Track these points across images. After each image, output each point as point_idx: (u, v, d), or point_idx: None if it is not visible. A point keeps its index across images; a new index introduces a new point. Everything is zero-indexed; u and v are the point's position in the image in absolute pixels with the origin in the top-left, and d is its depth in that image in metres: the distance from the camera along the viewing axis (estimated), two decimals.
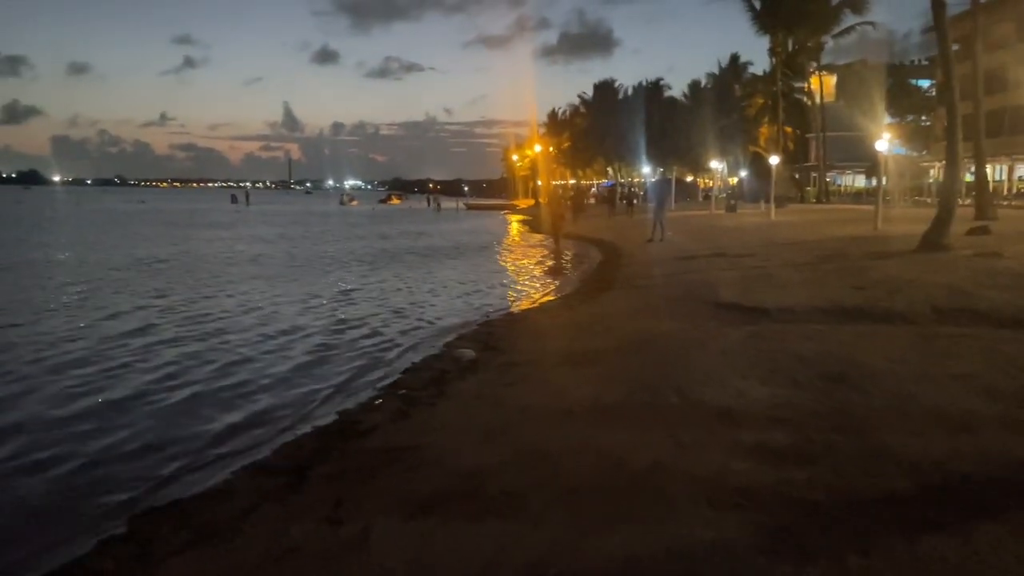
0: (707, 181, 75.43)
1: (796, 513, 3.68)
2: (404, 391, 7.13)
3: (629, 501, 3.95)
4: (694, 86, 73.69)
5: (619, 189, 67.17)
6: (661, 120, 71.66)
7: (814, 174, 59.61)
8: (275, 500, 4.54)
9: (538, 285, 17.11)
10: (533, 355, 8.23)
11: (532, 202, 78.28)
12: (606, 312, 11.07)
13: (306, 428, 6.31)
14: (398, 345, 10.11)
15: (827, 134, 55.76)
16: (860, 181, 63.43)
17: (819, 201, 52.71)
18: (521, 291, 16.08)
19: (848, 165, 61.45)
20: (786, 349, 7.34)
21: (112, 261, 21.42)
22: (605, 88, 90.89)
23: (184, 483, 5.25)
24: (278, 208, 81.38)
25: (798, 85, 57.42)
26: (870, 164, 49.81)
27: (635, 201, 48.72)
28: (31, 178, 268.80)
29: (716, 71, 68.52)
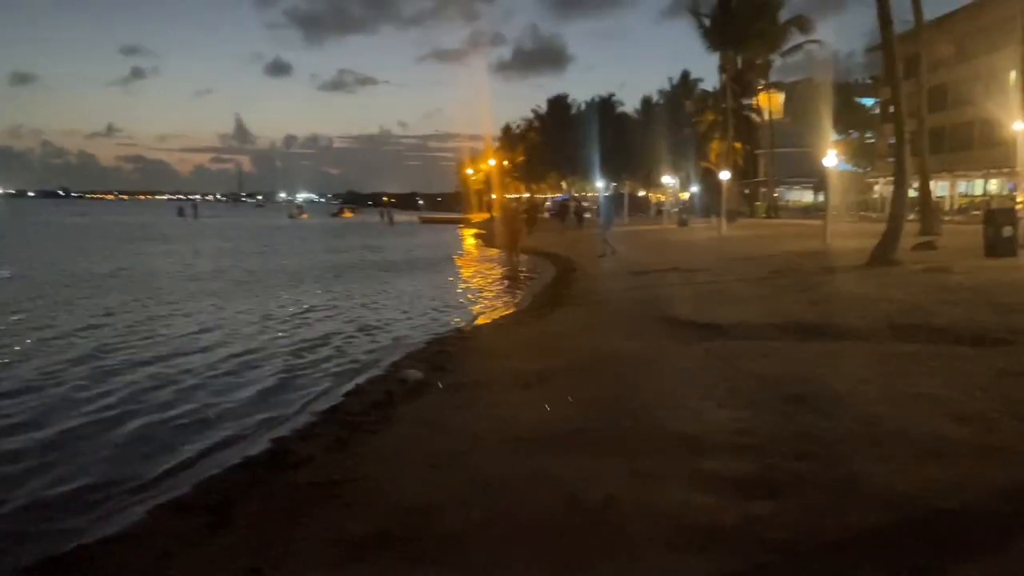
0: (659, 196, 76.19)
1: (763, 555, 3.37)
2: (344, 416, 6.68)
3: (582, 543, 3.60)
4: (646, 102, 74.84)
5: (572, 204, 67.38)
6: (613, 135, 72.31)
7: (763, 189, 60.62)
8: (191, 544, 4.08)
9: (491, 300, 16.75)
10: (483, 376, 7.86)
11: (487, 216, 77.97)
12: (559, 329, 10.77)
13: (234, 459, 5.80)
14: (341, 364, 9.62)
15: (776, 150, 56.81)
16: (808, 196, 64.70)
17: (768, 216, 53.51)
18: (473, 307, 15.70)
19: (796, 180, 62.68)
20: (744, 368, 7.12)
21: (59, 277, 20.25)
22: (558, 103, 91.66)
23: (94, 527, 4.71)
24: (227, 221, 79.31)
25: (747, 102, 58.47)
26: (817, 180, 50.85)
27: (585, 215, 48.91)
28: None
29: (668, 88, 69.57)
